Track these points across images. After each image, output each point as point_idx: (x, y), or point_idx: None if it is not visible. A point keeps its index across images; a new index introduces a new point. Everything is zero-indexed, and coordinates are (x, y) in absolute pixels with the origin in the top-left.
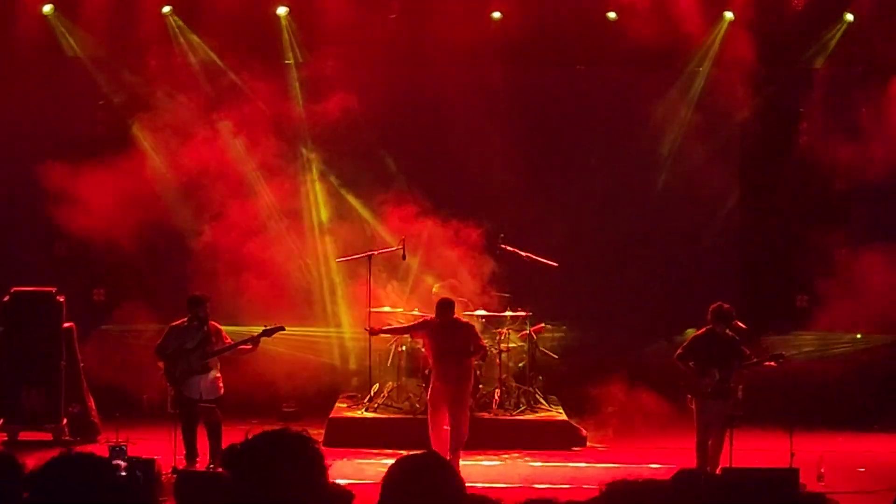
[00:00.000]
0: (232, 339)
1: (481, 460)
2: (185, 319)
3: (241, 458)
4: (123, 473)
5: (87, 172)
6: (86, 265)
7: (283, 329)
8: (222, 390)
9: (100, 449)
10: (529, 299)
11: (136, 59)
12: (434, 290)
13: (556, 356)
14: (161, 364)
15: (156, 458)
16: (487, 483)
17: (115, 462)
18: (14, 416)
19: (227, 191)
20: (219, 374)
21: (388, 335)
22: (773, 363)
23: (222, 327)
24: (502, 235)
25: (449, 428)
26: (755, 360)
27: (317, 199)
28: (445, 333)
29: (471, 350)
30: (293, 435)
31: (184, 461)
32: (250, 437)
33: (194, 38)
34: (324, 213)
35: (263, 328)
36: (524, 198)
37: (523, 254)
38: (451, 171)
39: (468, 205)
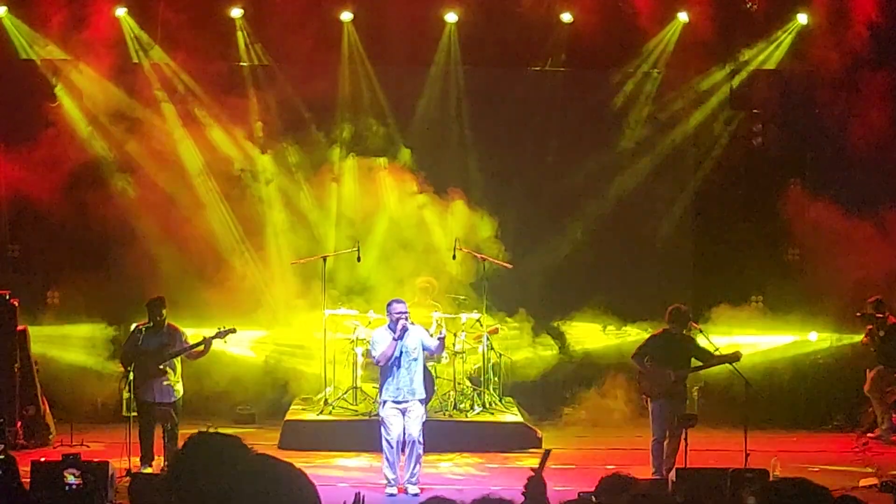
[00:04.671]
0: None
1: (437, 462)
2: (147, 321)
3: (180, 461)
4: None
5: (38, 174)
6: (40, 268)
7: (235, 331)
8: (180, 393)
9: (53, 453)
10: (484, 300)
11: (88, 60)
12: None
13: (511, 358)
14: (121, 366)
15: (109, 461)
16: (443, 485)
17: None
18: None
19: (183, 191)
20: (177, 378)
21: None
22: (729, 363)
23: (182, 329)
24: (457, 238)
25: (406, 448)
26: (712, 360)
27: (271, 200)
28: (404, 340)
29: (429, 347)
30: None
31: (139, 464)
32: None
33: (147, 38)
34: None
35: (218, 330)
36: (481, 198)
37: (478, 255)
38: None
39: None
